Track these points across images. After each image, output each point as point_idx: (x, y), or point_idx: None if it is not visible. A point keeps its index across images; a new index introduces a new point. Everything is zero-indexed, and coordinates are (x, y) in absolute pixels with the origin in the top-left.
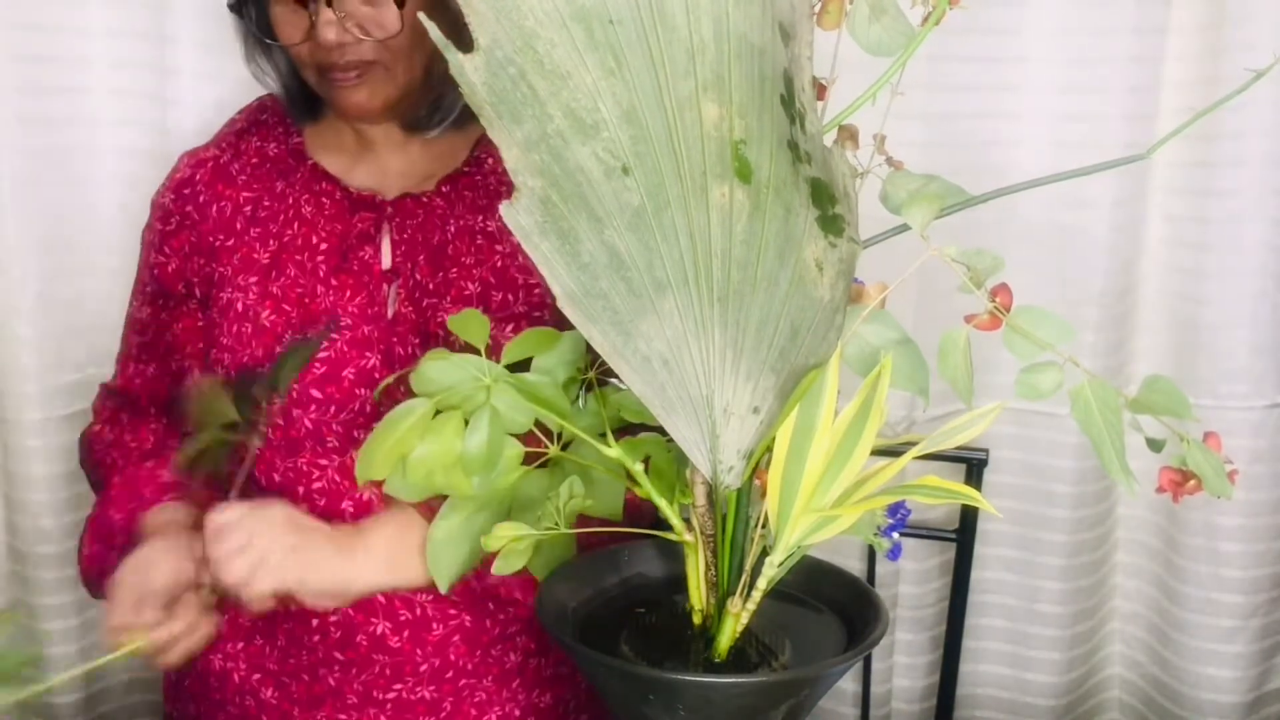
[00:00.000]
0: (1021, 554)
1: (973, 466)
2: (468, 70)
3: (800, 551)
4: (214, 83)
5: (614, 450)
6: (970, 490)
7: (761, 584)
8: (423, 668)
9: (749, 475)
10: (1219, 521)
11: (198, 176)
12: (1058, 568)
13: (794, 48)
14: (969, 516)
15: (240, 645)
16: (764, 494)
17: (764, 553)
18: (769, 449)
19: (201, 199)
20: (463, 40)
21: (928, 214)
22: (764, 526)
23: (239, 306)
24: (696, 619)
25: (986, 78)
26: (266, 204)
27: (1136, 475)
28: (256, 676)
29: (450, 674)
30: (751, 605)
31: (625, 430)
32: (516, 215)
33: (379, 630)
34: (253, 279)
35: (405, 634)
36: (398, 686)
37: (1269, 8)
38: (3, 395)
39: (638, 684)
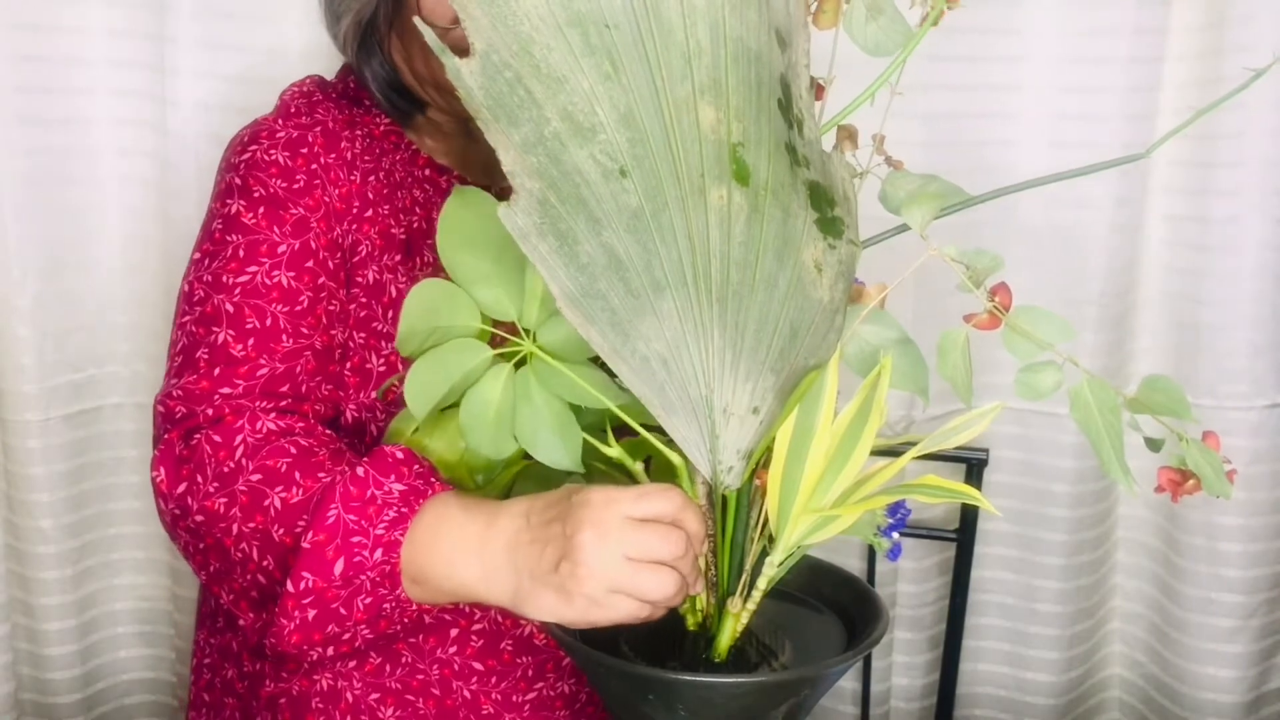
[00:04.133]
0: (1021, 553)
1: (973, 466)
2: (464, 74)
3: (800, 551)
4: (214, 83)
5: (614, 450)
6: (970, 490)
7: (761, 584)
8: (565, 661)
9: (749, 475)
10: (1219, 521)
11: (310, 138)
12: (1057, 567)
13: (790, 54)
14: (969, 516)
15: (353, 664)
16: (764, 494)
17: (764, 553)
18: (769, 449)
19: (324, 160)
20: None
21: (927, 214)
22: (764, 526)
23: (393, 291)
24: (690, 620)
25: (986, 77)
26: (384, 179)
27: (1136, 475)
28: (374, 696)
29: None
30: (751, 605)
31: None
32: (514, 216)
33: (526, 631)
34: (396, 258)
35: None
36: (539, 685)
37: (1269, 8)
38: (3, 395)
39: (638, 684)
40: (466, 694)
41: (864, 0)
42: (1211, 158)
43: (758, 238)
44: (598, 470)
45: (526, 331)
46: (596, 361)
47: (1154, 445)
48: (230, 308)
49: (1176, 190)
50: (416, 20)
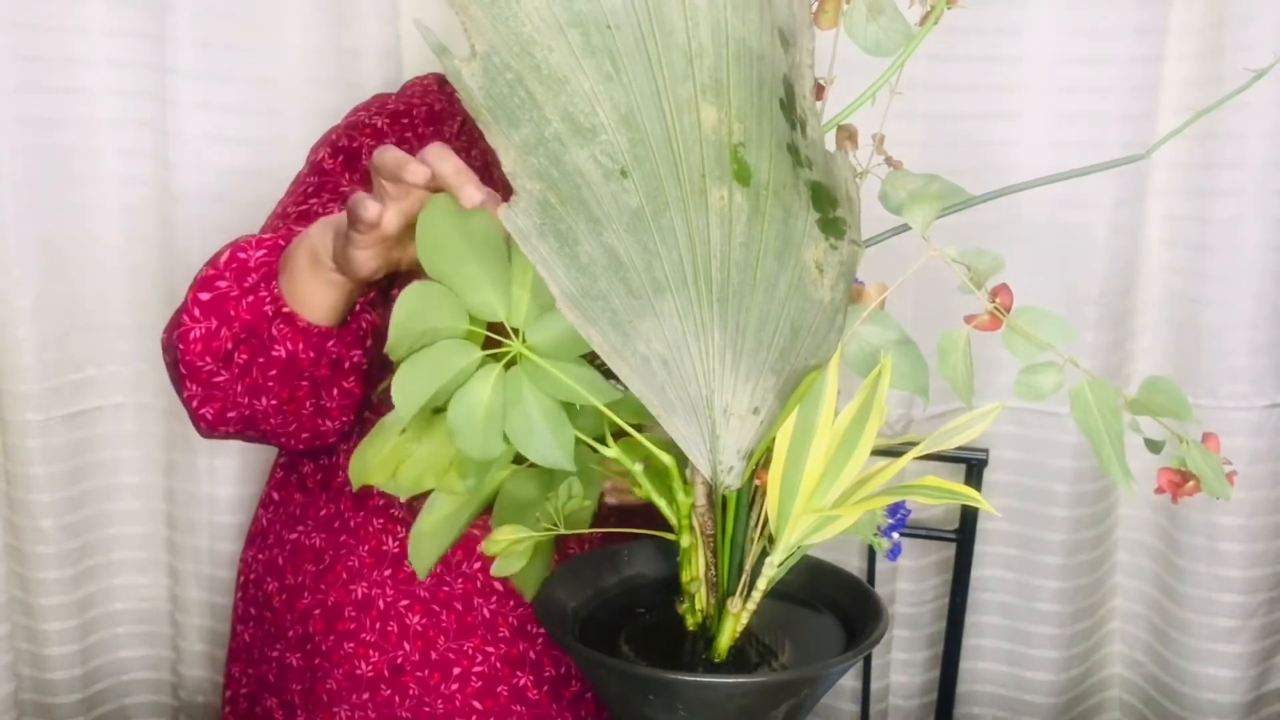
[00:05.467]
0: (1021, 553)
1: (973, 466)
2: (465, 76)
3: (800, 551)
4: (214, 83)
5: (613, 450)
6: (970, 490)
7: (761, 584)
8: None
9: (749, 475)
10: (1219, 521)
11: (414, 113)
12: (1057, 566)
13: (794, 55)
14: (969, 516)
15: (389, 572)
16: (764, 494)
17: (764, 553)
18: (769, 449)
19: (421, 131)
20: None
21: (928, 214)
22: (764, 526)
23: None
24: (690, 620)
25: (986, 78)
26: (479, 157)
27: (1136, 475)
28: (405, 603)
29: None
30: (751, 605)
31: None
32: (515, 217)
33: None
34: None
35: None
36: None
37: (1269, 8)
38: (2, 395)
39: (638, 684)
40: (486, 613)
41: (864, 0)
42: (1212, 158)
43: (758, 238)
44: (595, 472)
45: (515, 331)
46: (588, 358)
47: (1154, 447)
48: (279, 224)
49: (1177, 190)
50: (415, 21)
